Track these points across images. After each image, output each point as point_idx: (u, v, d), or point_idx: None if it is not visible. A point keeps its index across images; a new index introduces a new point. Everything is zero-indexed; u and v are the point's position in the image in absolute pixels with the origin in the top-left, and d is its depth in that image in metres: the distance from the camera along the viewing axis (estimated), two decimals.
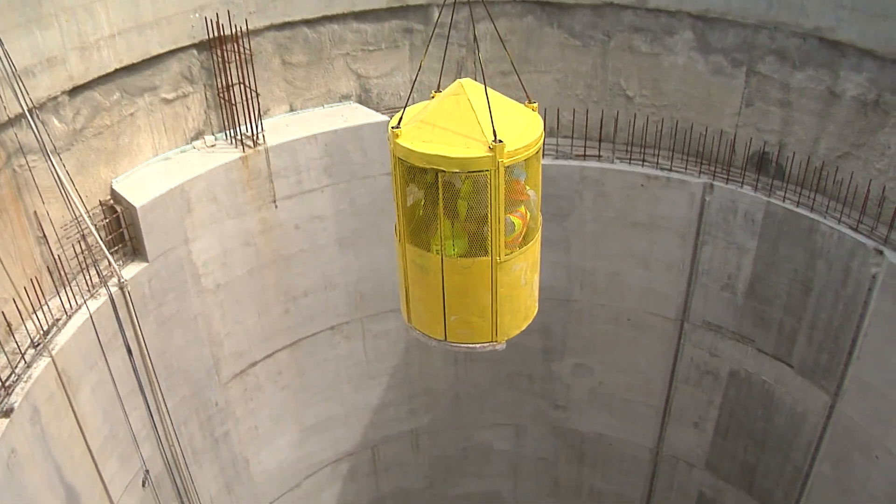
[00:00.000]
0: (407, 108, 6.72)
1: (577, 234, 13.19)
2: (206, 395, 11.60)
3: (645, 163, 12.37)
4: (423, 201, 6.72)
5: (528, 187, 6.87)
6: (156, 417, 10.47)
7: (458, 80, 6.62)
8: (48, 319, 8.70)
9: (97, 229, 9.27)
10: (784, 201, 11.10)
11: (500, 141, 6.03)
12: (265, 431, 13.10)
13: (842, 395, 10.85)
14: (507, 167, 6.24)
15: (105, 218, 9.72)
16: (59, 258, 9.00)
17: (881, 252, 9.92)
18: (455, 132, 6.27)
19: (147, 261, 10.01)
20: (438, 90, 6.97)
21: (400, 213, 6.79)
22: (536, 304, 7.52)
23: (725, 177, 11.75)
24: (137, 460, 10.17)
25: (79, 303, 9.09)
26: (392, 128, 6.40)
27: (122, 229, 9.83)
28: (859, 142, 10.51)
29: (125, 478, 9.91)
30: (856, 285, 10.34)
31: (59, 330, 8.78)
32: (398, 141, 6.34)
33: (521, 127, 6.48)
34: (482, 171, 6.18)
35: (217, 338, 11.60)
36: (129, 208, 9.79)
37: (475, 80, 6.78)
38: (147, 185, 10.11)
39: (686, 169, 12.14)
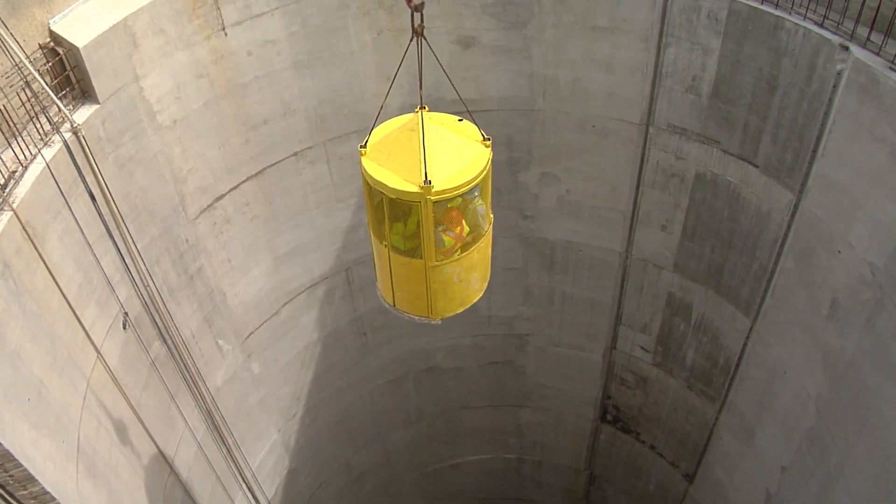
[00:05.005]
0: (376, 128, 8.25)
1: (536, 41, 12.86)
2: (175, 232, 11.55)
3: None
4: (379, 204, 8.25)
5: (479, 201, 8.44)
6: (127, 260, 10.45)
7: (420, 112, 7.96)
8: (4, 173, 8.44)
9: (41, 74, 8.85)
10: None
11: (429, 182, 7.49)
12: (239, 263, 13.18)
13: (806, 193, 10.98)
14: (441, 200, 7.77)
15: (47, 62, 9.22)
16: (5, 109, 8.63)
17: (847, 48, 9.71)
18: (401, 165, 7.78)
19: (98, 102, 9.66)
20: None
21: (368, 207, 8.52)
22: (479, 293, 9.25)
23: None
24: (115, 304, 10.23)
25: (33, 152, 8.80)
26: (360, 147, 8.04)
27: (68, 72, 9.38)
28: None
29: (105, 322, 10.00)
30: (821, 82, 10.23)
31: (17, 182, 8.51)
32: (361, 159, 7.98)
33: (461, 165, 7.82)
34: (414, 202, 7.74)
35: (180, 174, 11.42)
36: (72, 49, 9.31)
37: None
38: (87, 23, 9.56)
39: None
